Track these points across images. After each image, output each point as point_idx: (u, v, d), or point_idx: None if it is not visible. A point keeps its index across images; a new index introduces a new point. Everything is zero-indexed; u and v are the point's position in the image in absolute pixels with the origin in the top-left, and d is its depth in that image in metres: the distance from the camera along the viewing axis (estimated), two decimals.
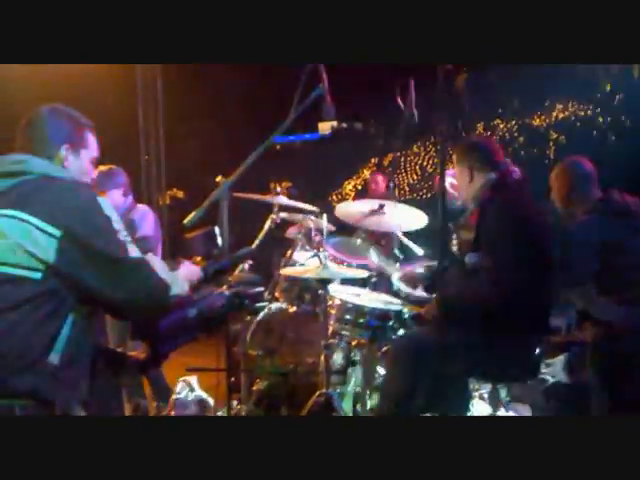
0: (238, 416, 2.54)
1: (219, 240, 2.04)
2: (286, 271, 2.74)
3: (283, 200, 2.94)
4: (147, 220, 3.11)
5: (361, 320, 2.62)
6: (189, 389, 2.91)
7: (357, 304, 2.63)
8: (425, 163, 8.14)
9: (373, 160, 8.20)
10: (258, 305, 2.77)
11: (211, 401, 2.87)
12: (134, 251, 1.68)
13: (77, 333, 1.63)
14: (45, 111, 1.79)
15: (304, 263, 2.85)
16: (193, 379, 2.92)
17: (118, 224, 1.68)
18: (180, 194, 8.19)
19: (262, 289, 2.61)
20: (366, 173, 8.30)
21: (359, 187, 8.39)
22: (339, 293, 2.70)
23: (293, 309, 2.88)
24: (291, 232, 3.22)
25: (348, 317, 2.63)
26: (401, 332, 2.64)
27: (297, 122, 2.13)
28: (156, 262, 1.76)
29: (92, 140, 1.86)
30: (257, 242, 2.90)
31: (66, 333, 1.60)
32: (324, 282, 2.58)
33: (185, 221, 2.23)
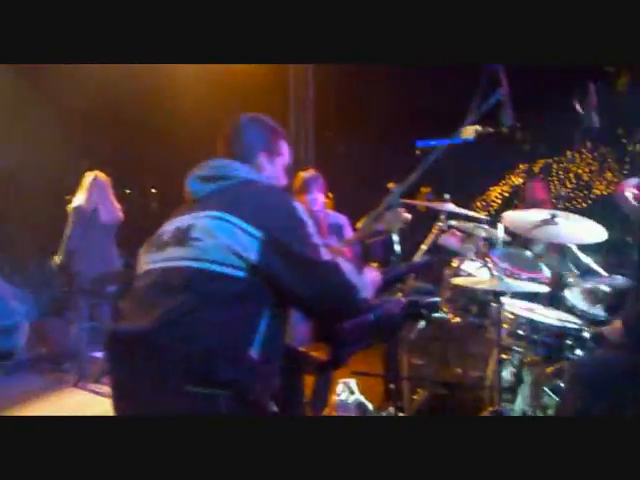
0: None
1: (397, 247, 2.04)
2: (457, 281, 2.67)
3: (452, 207, 2.88)
4: (348, 225, 3.15)
5: (536, 336, 2.49)
6: (349, 392, 2.94)
7: (532, 319, 2.51)
8: (580, 171, 7.65)
9: (522, 166, 7.84)
10: (434, 315, 2.74)
11: (370, 406, 2.88)
12: (326, 254, 1.72)
13: (273, 331, 1.69)
14: (244, 120, 1.92)
15: (473, 273, 2.76)
16: (352, 382, 2.94)
17: (311, 227, 1.73)
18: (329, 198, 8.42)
19: (438, 299, 2.57)
20: (514, 180, 7.95)
21: (506, 194, 8.06)
22: (513, 307, 2.58)
23: (457, 320, 2.81)
24: (448, 240, 3.14)
25: (521, 332, 2.51)
26: (579, 352, 2.48)
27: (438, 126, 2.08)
28: (346, 266, 1.79)
29: (286, 148, 1.96)
30: (423, 250, 2.87)
31: (264, 330, 1.67)
32: (497, 295, 2.49)
33: (358, 226, 2.24)
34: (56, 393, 4.97)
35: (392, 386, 2.81)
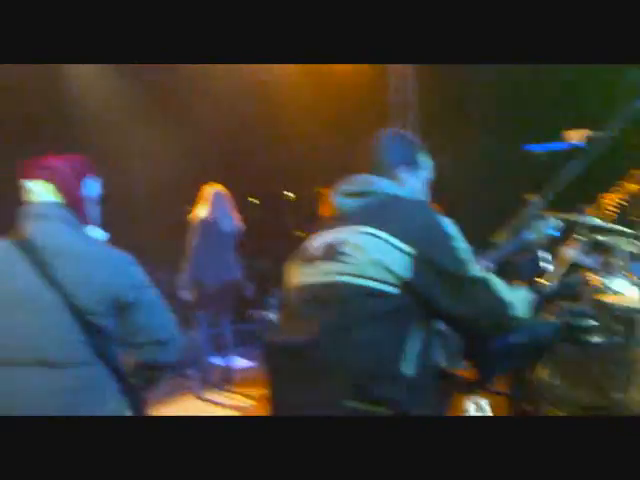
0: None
1: (546, 264, 1.97)
2: (603, 298, 2.55)
3: (594, 221, 2.73)
4: None
5: None
6: (479, 410, 2.87)
7: None
8: None
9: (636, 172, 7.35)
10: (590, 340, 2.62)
11: None
12: (478, 270, 1.70)
13: (425, 348, 1.70)
14: (385, 135, 1.94)
15: (617, 290, 2.63)
16: (484, 401, 2.87)
17: (461, 242, 1.71)
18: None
19: (595, 323, 2.45)
20: (630, 187, 7.45)
21: (623, 202, 7.57)
22: None
23: (599, 339, 2.67)
24: (581, 255, 2.98)
25: None
26: None
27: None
28: (499, 282, 1.76)
29: (428, 162, 1.95)
30: (558, 265, 2.75)
31: (416, 347, 1.67)
32: None
33: (494, 239, 2.19)
34: (178, 398, 5.21)
35: (526, 407, 2.72)
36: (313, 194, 12.81)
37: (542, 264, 1.94)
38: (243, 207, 13.90)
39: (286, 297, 1.88)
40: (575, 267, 2.73)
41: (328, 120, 8.88)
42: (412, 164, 1.90)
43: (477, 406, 2.89)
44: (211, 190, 5.50)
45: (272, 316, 7.57)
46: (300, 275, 1.84)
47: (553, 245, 2.59)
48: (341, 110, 8.89)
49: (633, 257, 2.80)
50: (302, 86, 8.03)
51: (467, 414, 2.88)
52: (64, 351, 1.74)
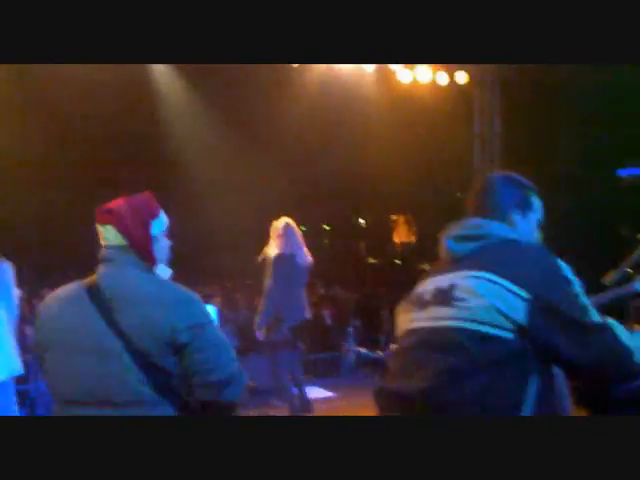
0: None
1: None
2: None
3: None
4: None
5: None
6: None
7: None
8: None
9: None
10: None
11: None
12: (597, 315, 1.63)
13: (543, 395, 1.63)
14: (495, 178, 1.92)
15: None
16: None
17: (578, 287, 1.66)
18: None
19: None
20: None
21: None
22: None
23: None
24: None
25: None
26: None
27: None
28: (619, 327, 1.70)
29: (537, 203, 1.91)
30: None
31: (533, 395, 1.61)
32: None
33: (606, 281, 2.12)
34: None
35: None
36: (386, 220, 12.77)
37: None
38: (317, 234, 14.04)
39: (397, 342, 1.88)
40: None
41: (402, 147, 8.87)
42: (524, 206, 1.87)
43: None
44: (282, 223, 5.32)
45: (352, 346, 7.60)
46: (411, 320, 1.83)
47: None
48: (415, 138, 8.87)
49: None
50: (378, 113, 8.07)
51: None
52: (127, 392, 1.78)
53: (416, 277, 1.94)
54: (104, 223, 1.90)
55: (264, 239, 5.46)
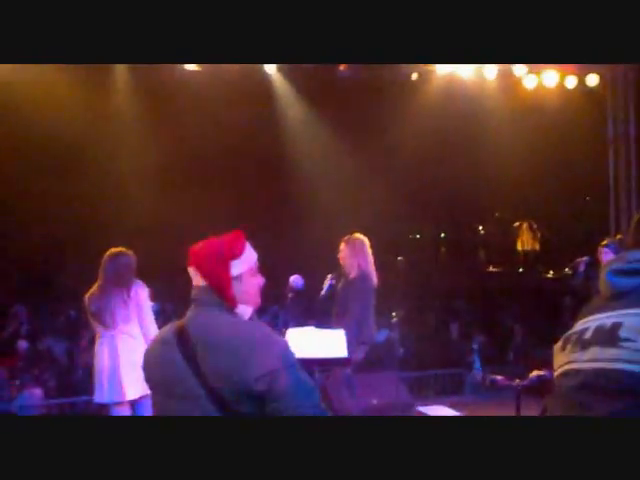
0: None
1: None
2: None
3: None
4: None
5: None
6: None
7: None
8: None
9: None
10: None
11: None
12: None
13: None
14: None
15: None
16: None
17: None
18: None
19: None
20: None
21: None
22: None
23: None
24: None
25: None
26: None
27: None
28: None
29: None
30: None
31: None
32: None
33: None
34: None
35: None
36: (508, 227, 12.29)
37: None
38: (434, 243, 13.75)
39: (557, 382, 1.73)
40: None
41: (527, 153, 8.46)
42: None
43: None
44: (359, 240, 4.92)
45: (477, 363, 7.28)
46: (572, 361, 1.68)
47: None
48: (541, 143, 8.43)
49: None
50: (502, 119, 7.76)
51: None
52: None
53: (541, 285, 1.79)
54: (189, 264, 1.91)
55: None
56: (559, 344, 1.79)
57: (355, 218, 9.29)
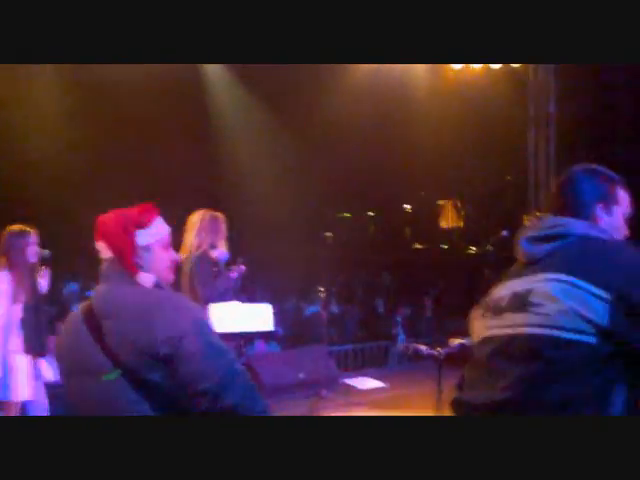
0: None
1: None
2: None
3: None
4: None
5: None
6: None
7: None
8: None
9: None
10: None
11: None
12: None
13: (631, 407, 1.52)
14: (576, 172, 1.77)
15: None
16: None
17: None
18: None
19: None
20: None
21: None
22: None
23: None
24: None
25: None
26: None
27: None
28: None
29: (623, 195, 1.76)
30: None
31: (620, 406, 1.51)
32: None
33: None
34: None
35: None
36: (433, 206, 12.61)
37: None
38: (365, 221, 13.91)
39: (473, 350, 1.78)
40: None
41: (451, 132, 8.68)
42: (608, 200, 1.72)
43: None
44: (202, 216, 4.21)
45: (401, 334, 7.48)
46: (487, 327, 1.73)
47: None
48: (465, 122, 8.66)
49: None
50: (428, 99, 7.90)
51: None
52: (127, 413, 1.73)
53: (463, 262, 1.84)
54: (97, 239, 1.87)
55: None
56: (476, 311, 1.83)
57: (285, 199, 9.29)
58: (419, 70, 7.46)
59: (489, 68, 6.78)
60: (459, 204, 11.69)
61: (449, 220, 11.69)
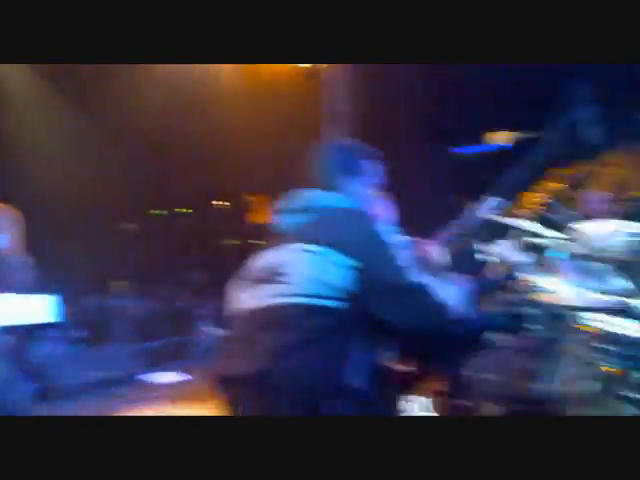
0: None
1: (486, 258, 2.00)
2: (535, 296, 2.67)
3: (528, 223, 2.82)
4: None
5: (613, 348, 2.48)
6: (422, 409, 2.93)
7: (609, 331, 2.49)
8: (617, 173, 7.53)
9: (558, 172, 7.71)
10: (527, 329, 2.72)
11: None
12: (414, 275, 1.73)
13: (370, 358, 1.72)
14: (324, 145, 1.94)
15: (549, 288, 2.76)
16: (426, 399, 2.92)
17: (397, 249, 1.74)
18: None
19: (531, 311, 2.58)
20: (551, 185, 7.80)
21: (546, 201, 7.92)
22: (589, 320, 2.57)
23: (533, 335, 2.80)
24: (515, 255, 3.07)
25: (600, 345, 2.49)
26: None
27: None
28: (436, 284, 1.78)
29: (370, 166, 1.93)
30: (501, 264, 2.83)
31: (365, 359, 1.69)
32: (574, 309, 2.48)
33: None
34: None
35: (466, 404, 2.80)
36: (245, 202, 12.75)
37: (481, 257, 1.98)
38: (174, 217, 13.58)
39: (230, 322, 1.85)
40: (509, 266, 2.83)
41: (258, 129, 8.85)
42: (355, 172, 1.89)
43: (420, 405, 2.95)
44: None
45: (206, 329, 7.48)
46: (242, 299, 1.81)
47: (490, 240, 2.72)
48: (272, 118, 8.88)
49: (564, 256, 2.93)
50: (232, 94, 7.96)
51: (411, 414, 2.94)
52: None
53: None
54: None
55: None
56: (234, 283, 1.91)
57: (93, 197, 8.76)
58: (228, 69, 7.48)
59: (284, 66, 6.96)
60: (268, 199, 11.95)
61: (258, 216, 11.92)
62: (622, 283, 2.79)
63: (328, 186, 1.86)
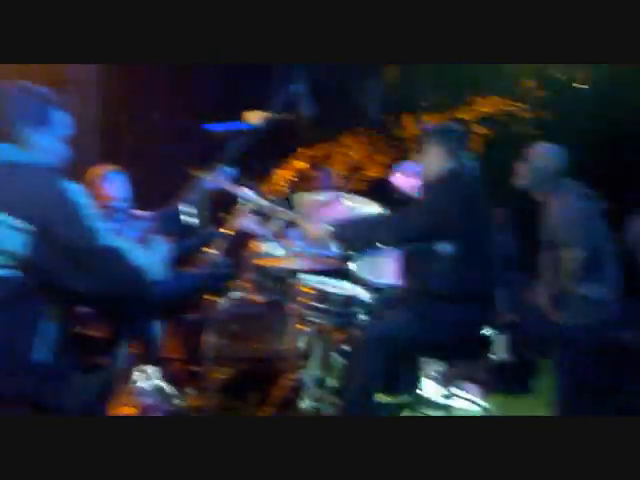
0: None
1: (191, 219, 1.94)
2: (259, 261, 2.78)
3: (250, 193, 2.92)
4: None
5: (328, 307, 2.71)
6: (146, 377, 2.88)
7: (324, 291, 2.72)
8: (353, 154, 8.24)
9: (306, 151, 8.17)
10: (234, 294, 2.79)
11: (169, 389, 2.85)
12: (107, 238, 1.58)
13: (59, 331, 1.58)
14: (4, 90, 1.64)
15: (273, 254, 2.91)
16: (150, 368, 2.88)
17: (89, 209, 1.58)
18: None
19: (231, 271, 2.65)
20: (298, 164, 8.25)
21: (293, 178, 8.35)
22: (308, 281, 2.78)
23: (258, 298, 2.93)
24: (247, 223, 3.19)
25: (315, 304, 2.71)
26: (366, 318, 2.76)
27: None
28: (130, 247, 1.66)
29: (60, 116, 1.69)
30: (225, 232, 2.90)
31: (52, 331, 1.55)
32: (294, 272, 2.66)
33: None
34: None
35: (195, 368, 2.84)
36: None
37: (185, 218, 1.92)
38: None
39: None
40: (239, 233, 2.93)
41: None
42: (40, 121, 1.62)
43: (146, 375, 2.89)
44: None
45: None
46: None
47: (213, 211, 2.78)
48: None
49: (288, 225, 3.12)
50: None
51: (136, 384, 2.86)
52: None
53: None
54: None
55: None
56: None
57: None
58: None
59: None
60: None
61: None
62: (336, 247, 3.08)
63: (9, 137, 1.61)
